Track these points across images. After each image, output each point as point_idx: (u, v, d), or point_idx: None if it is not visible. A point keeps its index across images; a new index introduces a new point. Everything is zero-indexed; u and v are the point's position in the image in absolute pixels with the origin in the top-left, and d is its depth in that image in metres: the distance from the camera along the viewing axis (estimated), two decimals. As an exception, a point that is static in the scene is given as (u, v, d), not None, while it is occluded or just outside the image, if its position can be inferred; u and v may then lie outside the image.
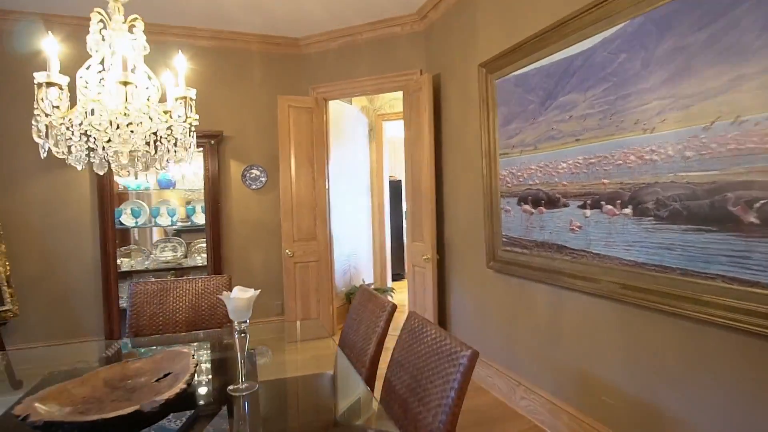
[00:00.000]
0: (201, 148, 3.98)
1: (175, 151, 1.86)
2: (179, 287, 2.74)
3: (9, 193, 3.81)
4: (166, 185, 4.01)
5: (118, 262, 3.90)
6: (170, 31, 4.10)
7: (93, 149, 1.65)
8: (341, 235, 4.93)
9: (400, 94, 4.37)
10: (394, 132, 6.26)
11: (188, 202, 4.29)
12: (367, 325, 2.06)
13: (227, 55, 4.36)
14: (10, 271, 3.67)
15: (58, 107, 1.54)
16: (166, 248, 4.14)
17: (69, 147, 1.58)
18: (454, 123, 3.59)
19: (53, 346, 3.89)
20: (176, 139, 1.81)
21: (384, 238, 5.94)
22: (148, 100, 1.72)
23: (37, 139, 1.50)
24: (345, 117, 5.07)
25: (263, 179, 4.50)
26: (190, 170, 4.13)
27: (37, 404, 1.30)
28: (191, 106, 1.83)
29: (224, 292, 1.60)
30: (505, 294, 2.96)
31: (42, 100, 1.51)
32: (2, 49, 3.77)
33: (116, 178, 3.93)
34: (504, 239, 2.88)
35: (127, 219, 3.95)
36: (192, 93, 1.82)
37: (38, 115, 1.50)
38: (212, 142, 3.96)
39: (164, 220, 4.06)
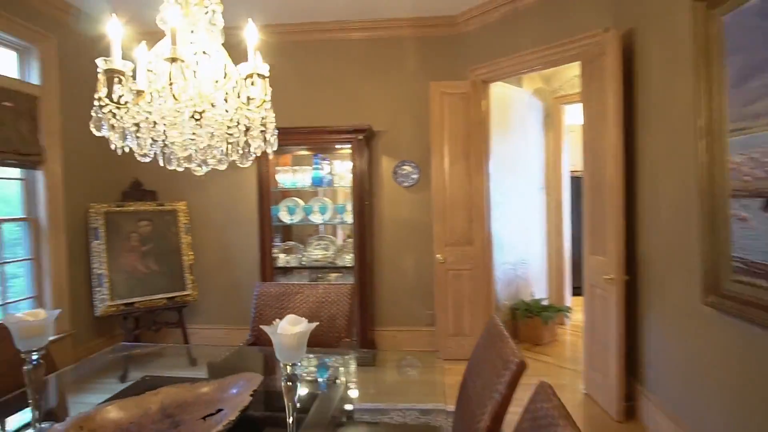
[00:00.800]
0: (349, 144, 3.81)
1: (247, 145, 1.57)
2: (300, 292, 2.54)
3: (198, 191, 4.30)
4: (318, 183, 3.98)
5: (280, 257, 4.03)
6: (322, 27, 4.05)
7: (155, 140, 1.46)
8: (506, 240, 4.22)
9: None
10: (578, 117, 5.16)
11: (341, 200, 4.21)
12: (485, 381, 1.44)
13: (377, 45, 4.11)
14: (193, 260, 4.12)
15: (123, 97, 1.37)
16: (319, 246, 4.13)
17: (128, 136, 1.41)
18: (652, 93, 2.57)
19: (224, 329, 4.27)
20: (246, 128, 1.51)
21: (562, 243, 4.94)
22: (216, 83, 1.46)
23: (97, 132, 1.36)
24: (511, 102, 4.32)
25: (415, 176, 4.13)
26: (343, 167, 4.03)
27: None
28: (264, 90, 1.51)
29: (275, 322, 1.21)
30: (736, 349, 1.90)
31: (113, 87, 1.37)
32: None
33: (277, 177, 4.07)
34: (736, 263, 1.84)
35: (284, 216, 4.06)
36: (265, 69, 1.49)
37: (102, 106, 1.36)
38: (360, 137, 3.75)
39: (317, 217, 4.04)
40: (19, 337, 1.31)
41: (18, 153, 3.26)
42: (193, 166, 1.56)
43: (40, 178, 3.49)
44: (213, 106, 1.42)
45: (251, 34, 1.47)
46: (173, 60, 1.28)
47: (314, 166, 3.99)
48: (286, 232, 4.42)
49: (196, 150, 1.54)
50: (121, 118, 1.38)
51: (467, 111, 3.80)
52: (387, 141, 4.15)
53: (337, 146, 4.02)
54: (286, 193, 4.19)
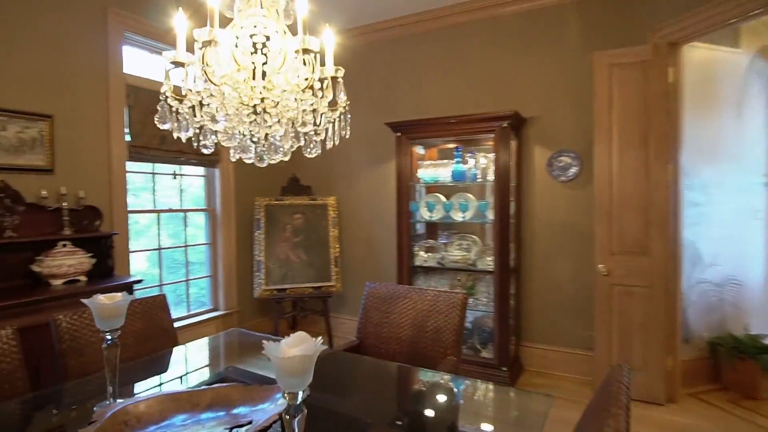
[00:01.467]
0: (491, 134, 3.38)
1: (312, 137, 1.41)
2: (408, 297, 2.30)
3: (347, 185, 4.43)
4: (459, 178, 3.65)
5: (420, 255, 3.86)
6: (468, 6, 3.69)
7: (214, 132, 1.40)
8: (704, 252, 3.22)
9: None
10: None
11: (482, 197, 3.79)
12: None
13: (530, 18, 3.55)
14: (339, 254, 4.26)
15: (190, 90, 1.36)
16: (460, 246, 3.80)
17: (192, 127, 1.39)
18: None
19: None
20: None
21: (804, 262, 3.53)
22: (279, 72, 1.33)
23: (161, 126, 1.37)
24: (719, 68, 3.24)
25: (575, 168, 3.44)
26: (489, 160, 3.61)
27: None
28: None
29: (268, 344, 1.01)
30: None
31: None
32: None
33: (419, 172, 3.89)
34: None
35: (424, 212, 3.86)
36: (340, 73, 1.34)
37: (166, 98, 1.37)
38: (504, 124, 3.28)
39: (457, 215, 3.72)
40: (99, 317, 1.41)
41: (200, 154, 3.83)
42: (248, 157, 1.46)
43: (217, 175, 4.04)
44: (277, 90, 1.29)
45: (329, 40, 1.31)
46: (209, 44, 1.19)
47: (455, 159, 3.68)
48: (432, 229, 4.22)
49: (257, 140, 1.45)
50: (183, 111, 1.36)
51: (645, 84, 2.97)
52: (540, 128, 3.57)
53: (481, 137, 3.62)
54: (432, 189, 3.99)
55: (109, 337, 1.41)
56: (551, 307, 3.58)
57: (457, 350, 2.10)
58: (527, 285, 3.67)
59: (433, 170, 3.84)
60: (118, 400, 1.39)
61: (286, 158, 1.49)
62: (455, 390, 1.71)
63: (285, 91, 1.37)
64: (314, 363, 0.99)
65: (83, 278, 2.78)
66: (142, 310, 2.08)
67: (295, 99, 1.39)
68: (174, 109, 1.37)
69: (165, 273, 3.78)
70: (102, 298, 1.41)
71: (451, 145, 3.88)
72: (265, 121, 1.39)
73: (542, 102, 3.53)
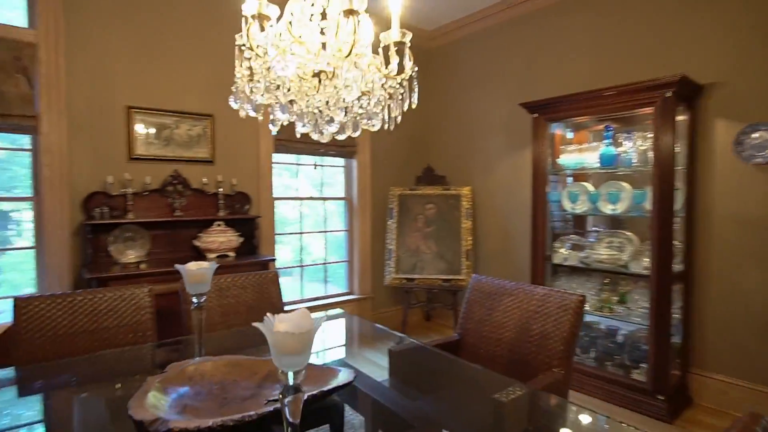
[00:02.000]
0: (650, 107, 2.75)
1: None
2: (513, 295, 2.03)
3: (483, 175, 4.19)
4: (608, 162, 3.08)
5: (560, 252, 3.42)
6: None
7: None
8: None
9: None
10: None
11: (642, 186, 3.11)
12: None
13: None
14: (471, 246, 4.05)
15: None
16: (611, 244, 3.21)
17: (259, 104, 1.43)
18: None
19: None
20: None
21: None
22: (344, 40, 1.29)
23: (234, 106, 1.45)
24: None
25: (778, 147, 2.58)
26: (644, 142, 2.97)
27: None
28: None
29: (265, 318, 0.95)
30: None
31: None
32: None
33: (561, 157, 3.43)
34: None
35: (566, 204, 3.39)
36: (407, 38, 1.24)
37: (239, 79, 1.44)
38: (667, 93, 2.64)
39: (606, 207, 3.15)
40: (189, 282, 1.57)
41: (339, 146, 4.06)
42: (312, 131, 1.43)
43: (354, 166, 4.23)
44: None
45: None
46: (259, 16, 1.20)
47: (605, 140, 3.12)
48: (580, 224, 3.68)
49: (320, 111, 1.42)
50: (252, 86, 1.41)
51: None
52: (723, 97, 2.77)
53: (637, 112, 2.99)
54: (580, 177, 3.48)
55: (195, 300, 1.56)
56: (735, 327, 2.77)
57: (566, 362, 1.76)
58: (701, 296, 2.91)
59: (578, 155, 3.33)
60: (196, 358, 1.53)
61: (344, 134, 1.43)
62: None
63: (345, 55, 1.30)
64: (311, 343, 0.91)
65: (231, 254, 3.20)
66: (255, 282, 2.28)
67: (355, 64, 1.32)
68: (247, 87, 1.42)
69: (305, 256, 4.13)
70: (190, 265, 1.57)
71: (601, 127, 3.31)
72: (325, 87, 1.35)
73: (726, 63, 2.74)
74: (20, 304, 1.71)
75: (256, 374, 1.42)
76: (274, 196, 3.71)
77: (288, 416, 0.90)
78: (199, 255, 3.11)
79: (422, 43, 4.49)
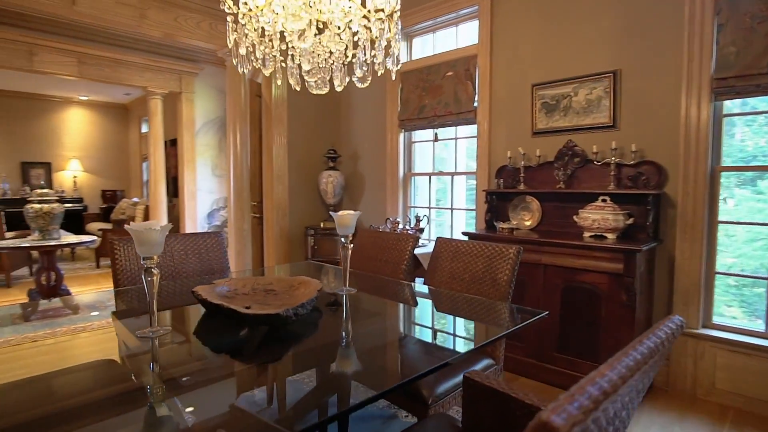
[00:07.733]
0: None
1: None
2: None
3: None
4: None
5: None
6: None
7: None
8: None
9: None
10: None
11: None
12: None
13: None
14: None
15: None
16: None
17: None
18: None
19: None
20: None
21: None
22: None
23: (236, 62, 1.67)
24: None
25: None
26: None
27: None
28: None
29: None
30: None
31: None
32: None
33: None
34: None
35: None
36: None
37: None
38: None
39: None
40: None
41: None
42: (313, 81, 1.48)
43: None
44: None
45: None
46: None
47: None
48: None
49: (318, 63, 1.47)
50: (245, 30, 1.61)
51: None
52: None
53: None
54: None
55: (343, 240, 1.96)
56: None
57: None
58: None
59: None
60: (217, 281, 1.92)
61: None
62: None
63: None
64: (163, 238, 1.37)
65: (610, 236, 2.66)
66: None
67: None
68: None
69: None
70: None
71: None
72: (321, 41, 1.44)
73: None
74: (440, 240, 2.34)
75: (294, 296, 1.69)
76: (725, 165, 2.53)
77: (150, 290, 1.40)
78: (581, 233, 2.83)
79: None
